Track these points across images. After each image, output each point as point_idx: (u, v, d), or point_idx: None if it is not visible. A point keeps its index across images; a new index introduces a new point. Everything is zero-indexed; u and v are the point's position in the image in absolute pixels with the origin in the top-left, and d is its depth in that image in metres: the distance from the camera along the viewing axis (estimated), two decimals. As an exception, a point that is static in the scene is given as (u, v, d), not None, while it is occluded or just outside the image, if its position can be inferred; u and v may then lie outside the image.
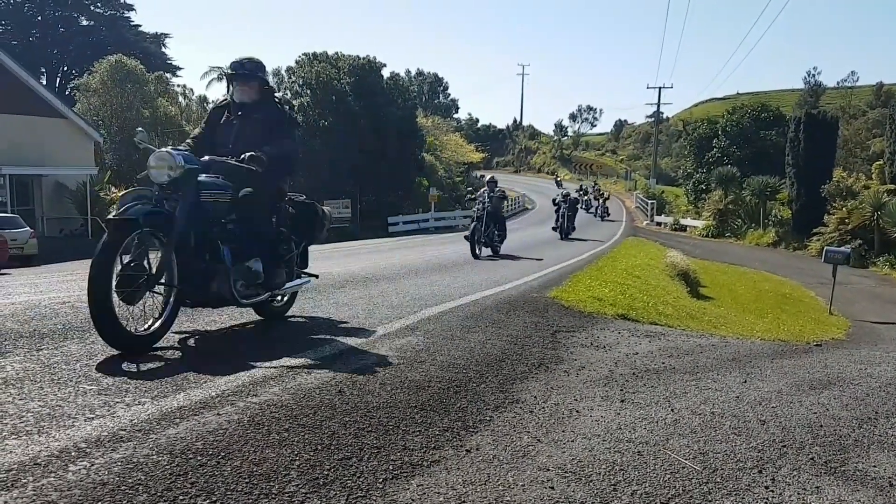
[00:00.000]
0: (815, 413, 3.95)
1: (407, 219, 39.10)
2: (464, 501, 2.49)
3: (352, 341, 4.77)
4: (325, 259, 13.51)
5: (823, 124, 31.86)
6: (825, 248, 19.62)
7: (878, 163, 36.52)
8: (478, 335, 5.37)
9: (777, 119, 43.10)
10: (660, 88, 61.36)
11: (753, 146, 41.22)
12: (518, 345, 5.21)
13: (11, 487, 2.24)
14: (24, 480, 2.29)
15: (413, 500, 2.46)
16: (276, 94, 5.34)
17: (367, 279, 8.76)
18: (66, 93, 41.67)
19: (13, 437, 2.67)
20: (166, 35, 63.33)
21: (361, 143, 38.29)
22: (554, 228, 25.11)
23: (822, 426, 3.70)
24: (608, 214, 39.23)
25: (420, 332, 5.29)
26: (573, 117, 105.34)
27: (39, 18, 55.73)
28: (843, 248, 19.20)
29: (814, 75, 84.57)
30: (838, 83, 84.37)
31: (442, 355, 4.58)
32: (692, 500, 2.66)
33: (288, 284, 5.27)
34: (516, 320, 6.19)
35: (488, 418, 3.43)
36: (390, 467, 2.70)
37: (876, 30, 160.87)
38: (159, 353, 4.11)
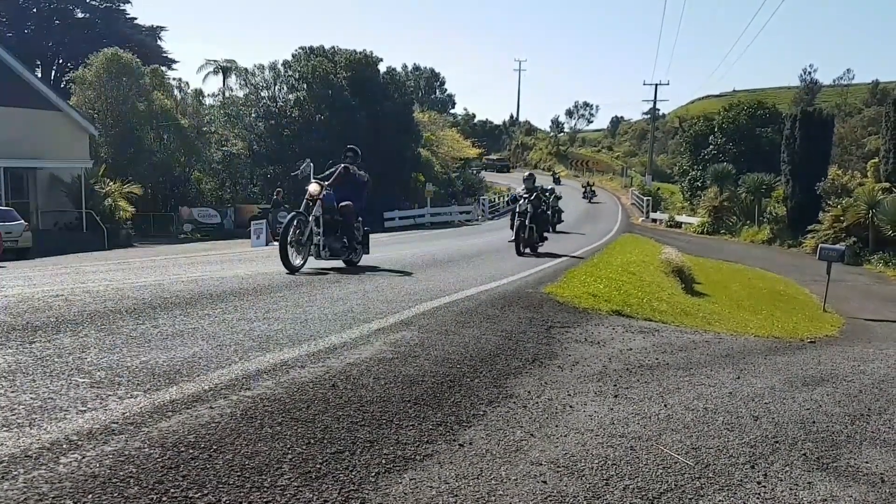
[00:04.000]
0: (808, 409, 3.96)
1: (403, 214, 39.03)
2: (456, 495, 2.49)
3: (346, 335, 4.76)
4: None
5: (819, 122, 31.86)
6: (820, 245, 19.65)
7: (873, 161, 36.58)
8: (472, 330, 5.37)
9: (773, 116, 43.09)
10: (656, 85, 61.44)
11: (749, 143, 41.20)
12: (512, 340, 5.21)
13: (2, 479, 2.23)
14: (14, 472, 2.28)
15: (406, 493, 2.46)
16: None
17: (361, 274, 8.75)
18: (62, 86, 41.52)
19: (4, 429, 2.66)
20: (162, 28, 63.16)
21: (358, 137, 38.11)
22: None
23: (814, 422, 3.71)
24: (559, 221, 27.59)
25: (414, 326, 5.28)
26: (570, 113, 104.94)
27: (35, 11, 55.45)
28: (837, 246, 19.25)
29: (810, 73, 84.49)
30: (834, 81, 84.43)
31: (436, 350, 4.58)
32: (684, 494, 2.66)
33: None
34: (511, 316, 6.19)
35: (482, 413, 3.43)
36: (383, 461, 2.70)
37: (872, 28, 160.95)
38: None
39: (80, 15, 57.36)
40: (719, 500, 2.64)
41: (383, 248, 15.95)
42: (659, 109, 69.75)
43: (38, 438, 2.58)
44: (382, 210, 38.60)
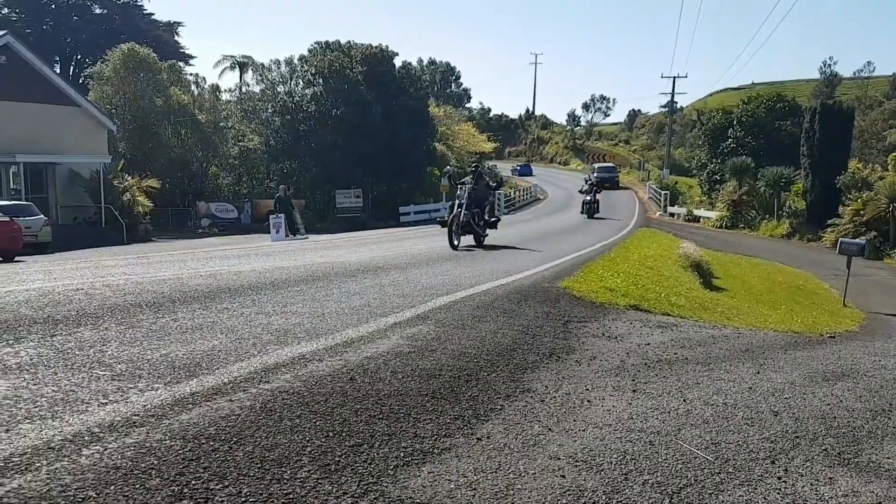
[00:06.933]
0: (829, 404, 3.93)
1: (418, 208, 39.08)
2: (475, 489, 2.49)
3: (363, 329, 4.78)
4: (335, 248, 13.56)
5: (839, 115, 31.54)
6: (840, 239, 19.49)
7: (893, 154, 36.19)
8: (489, 324, 5.36)
9: (792, 109, 42.68)
10: (674, 78, 61.00)
11: (768, 137, 40.82)
12: (529, 334, 5.20)
13: (26, 471, 2.26)
14: (38, 464, 2.31)
15: (424, 486, 2.46)
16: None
17: (378, 268, 8.76)
18: (80, 81, 41.83)
19: (27, 421, 2.69)
20: (179, 24, 63.62)
21: (373, 132, 38.28)
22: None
23: (835, 417, 3.68)
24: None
25: (431, 321, 5.28)
26: (586, 107, 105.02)
27: (53, 7, 55.97)
28: (857, 240, 19.09)
29: (830, 65, 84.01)
30: (854, 73, 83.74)
31: (453, 344, 4.58)
32: (704, 490, 2.65)
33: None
34: (527, 310, 6.17)
35: (499, 407, 3.43)
36: (401, 454, 2.71)
37: (893, 20, 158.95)
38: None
39: (97, 11, 57.86)
40: (739, 496, 2.62)
41: (398, 242, 15.98)
42: (677, 102, 69.16)
43: (61, 430, 2.60)
44: (398, 204, 38.67)
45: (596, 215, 30.82)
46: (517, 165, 76.39)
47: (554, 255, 12.05)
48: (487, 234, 13.42)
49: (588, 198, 31.43)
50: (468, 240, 12.95)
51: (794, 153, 33.91)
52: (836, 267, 19.35)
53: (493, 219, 13.76)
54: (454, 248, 11.93)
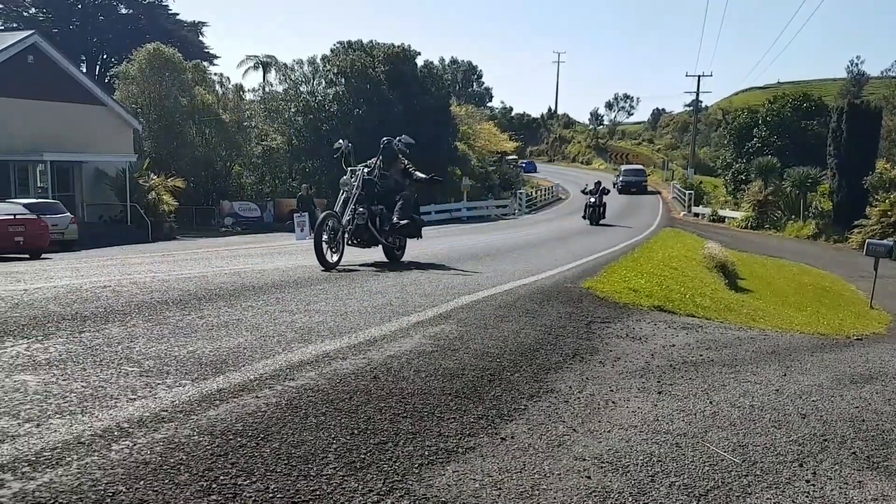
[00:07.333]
0: (857, 407, 3.87)
1: (439, 208, 38.98)
2: (500, 489, 2.48)
3: (385, 328, 4.79)
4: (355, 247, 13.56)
5: (866, 114, 31.07)
6: (867, 240, 19.20)
7: (923, 154, 35.56)
8: (511, 324, 5.35)
9: (819, 109, 42.13)
10: (699, 77, 60.27)
11: (794, 136, 40.33)
12: (552, 335, 5.18)
13: (56, 465, 2.29)
14: (68, 459, 2.34)
15: (449, 485, 2.46)
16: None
17: (399, 267, 8.77)
18: (106, 81, 42.32)
19: (57, 416, 2.72)
20: (203, 24, 64.15)
21: (395, 131, 38.28)
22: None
23: (863, 420, 3.63)
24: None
25: (453, 320, 5.28)
26: (609, 106, 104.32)
27: (79, 6, 56.68)
28: (885, 241, 18.78)
29: (857, 64, 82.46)
30: (882, 72, 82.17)
31: (475, 344, 4.58)
32: (731, 492, 2.62)
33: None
34: (550, 310, 6.15)
35: (523, 407, 3.43)
36: (426, 453, 2.71)
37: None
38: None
39: (123, 11, 58.51)
40: (767, 499, 2.60)
41: (417, 241, 15.97)
42: (701, 101, 68.47)
43: (91, 426, 2.64)
44: (419, 204, 38.66)
45: (601, 222, 26.44)
46: (522, 162, 76.83)
47: (576, 256, 11.97)
48: (405, 246, 9.66)
49: (592, 199, 26.85)
50: (367, 253, 9.42)
51: (820, 153, 33.48)
52: (863, 268, 19.09)
53: (402, 221, 8.95)
54: (327, 266, 7.91)
